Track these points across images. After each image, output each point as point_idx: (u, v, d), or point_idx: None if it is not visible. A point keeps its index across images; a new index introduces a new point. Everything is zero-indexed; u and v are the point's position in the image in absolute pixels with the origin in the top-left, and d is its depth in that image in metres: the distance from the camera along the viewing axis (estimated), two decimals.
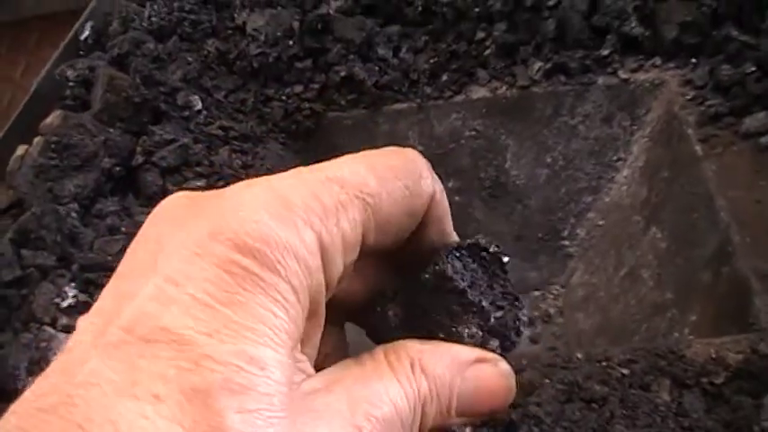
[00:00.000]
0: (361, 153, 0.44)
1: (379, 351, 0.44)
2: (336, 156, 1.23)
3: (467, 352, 0.46)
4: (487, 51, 1.42)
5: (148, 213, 1.20)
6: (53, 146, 1.23)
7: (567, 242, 1.49)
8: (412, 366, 0.43)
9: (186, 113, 1.36)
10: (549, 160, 1.44)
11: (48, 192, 1.22)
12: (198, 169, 1.30)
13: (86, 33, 1.54)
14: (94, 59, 1.41)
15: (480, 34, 1.42)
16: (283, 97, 1.42)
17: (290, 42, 1.41)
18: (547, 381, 1.00)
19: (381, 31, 1.44)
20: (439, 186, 0.48)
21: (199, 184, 1.28)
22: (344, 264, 0.40)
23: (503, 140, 1.44)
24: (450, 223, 0.52)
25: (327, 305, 0.42)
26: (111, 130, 1.28)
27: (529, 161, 1.45)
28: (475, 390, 0.46)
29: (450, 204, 1.40)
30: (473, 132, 1.43)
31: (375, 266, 0.48)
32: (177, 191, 1.19)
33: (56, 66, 1.48)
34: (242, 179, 1.22)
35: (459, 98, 1.42)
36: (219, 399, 0.32)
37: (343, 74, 1.40)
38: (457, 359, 0.45)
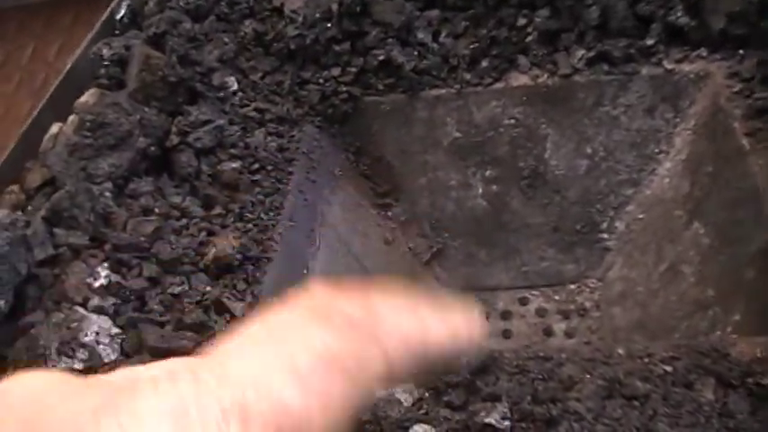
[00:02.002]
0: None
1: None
2: (372, 141, 1.21)
3: None
4: (529, 38, 1.39)
5: (182, 194, 1.18)
6: (88, 124, 1.21)
7: (605, 235, 1.46)
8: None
9: (222, 94, 1.34)
10: (589, 151, 1.42)
11: (81, 171, 1.20)
12: (233, 151, 1.28)
13: (122, 12, 1.53)
14: (130, 38, 1.39)
15: (522, 20, 1.39)
16: (320, 80, 1.40)
17: (328, 25, 1.39)
18: (587, 376, 0.98)
19: (421, 15, 1.41)
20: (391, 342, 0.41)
21: (234, 165, 1.26)
22: None
23: (542, 129, 1.41)
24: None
25: None
26: (147, 109, 1.26)
27: (569, 151, 1.42)
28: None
29: (486, 194, 1.37)
30: (512, 120, 1.40)
31: None
32: (212, 172, 1.17)
33: (91, 45, 1.46)
34: (277, 162, 1.20)
35: (499, 85, 1.39)
36: None
37: (381, 58, 1.38)
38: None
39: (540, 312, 1.48)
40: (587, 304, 1.46)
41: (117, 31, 1.53)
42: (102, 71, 1.39)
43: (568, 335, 1.43)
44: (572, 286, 1.49)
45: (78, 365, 0.98)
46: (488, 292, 1.49)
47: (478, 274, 1.49)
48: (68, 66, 1.46)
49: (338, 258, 1.34)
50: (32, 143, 1.36)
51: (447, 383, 0.96)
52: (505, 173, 1.44)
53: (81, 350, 0.99)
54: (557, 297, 1.49)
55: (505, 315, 1.47)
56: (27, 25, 1.94)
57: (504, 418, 0.93)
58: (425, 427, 0.90)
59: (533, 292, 1.50)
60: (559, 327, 1.45)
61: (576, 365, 1.00)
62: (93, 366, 0.98)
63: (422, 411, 0.95)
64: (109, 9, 1.55)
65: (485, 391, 0.96)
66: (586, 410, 0.93)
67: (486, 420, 0.93)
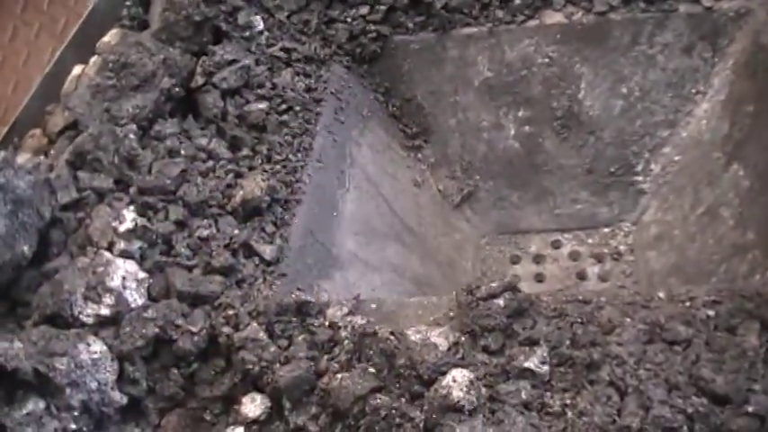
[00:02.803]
0: None
1: None
2: (402, 81, 1.18)
3: None
4: None
5: (208, 135, 1.16)
6: (111, 65, 1.18)
7: (640, 177, 1.43)
8: None
9: (247, 34, 1.31)
10: (624, 91, 1.38)
11: (105, 112, 1.17)
12: (260, 92, 1.25)
13: None
14: None
15: None
16: (348, 19, 1.36)
17: None
18: (627, 320, 0.95)
19: None
20: None
21: (261, 106, 1.23)
22: None
23: (577, 69, 1.37)
24: None
25: None
26: (171, 49, 1.23)
27: (603, 91, 1.38)
28: None
29: (519, 135, 1.35)
30: (546, 60, 1.36)
31: None
32: (239, 113, 1.14)
33: None
34: (306, 103, 1.17)
35: (532, 23, 1.35)
36: None
37: None
38: None
39: (574, 256, 1.44)
40: (621, 248, 1.43)
41: None
42: (125, 11, 1.36)
43: (602, 279, 1.40)
44: (606, 230, 1.46)
45: (105, 311, 0.96)
46: (520, 235, 1.46)
47: (510, 216, 1.46)
48: (89, 6, 1.43)
49: (368, 200, 1.31)
50: (54, 86, 1.33)
51: (483, 327, 0.94)
52: (538, 113, 1.41)
53: (107, 295, 0.97)
54: (590, 240, 1.45)
55: (538, 259, 1.45)
56: None
57: (542, 363, 0.91)
58: (463, 371, 0.87)
59: (566, 236, 1.47)
60: (593, 270, 1.42)
61: (615, 309, 0.97)
62: (121, 312, 0.96)
63: (458, 356, 0.93)
64: None
65: (522, 335, 0.94)
66: (628, 355, 0.90)
67: (525, 365, 0.90)
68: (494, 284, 0.97)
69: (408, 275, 1.29)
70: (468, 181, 1.45)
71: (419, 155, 1.44)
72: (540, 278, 1.42)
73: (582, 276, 1.41)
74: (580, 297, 1.00)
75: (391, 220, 1.34)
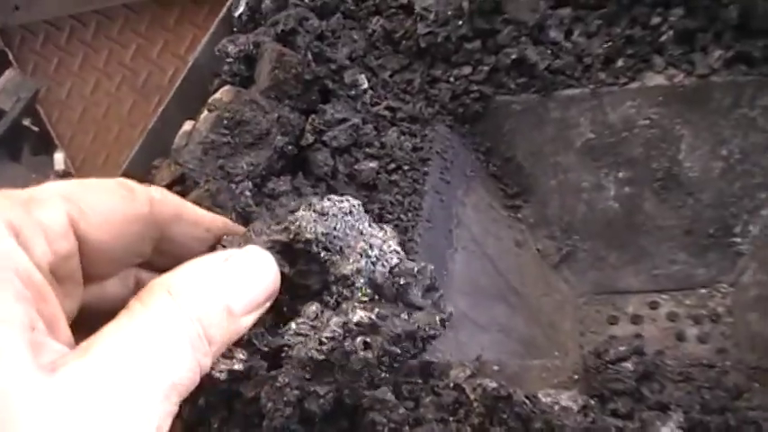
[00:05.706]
0: None
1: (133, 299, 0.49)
2: (503, 141, 1.18)
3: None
4: (664, 37, 1.35)
5: (319, 194, 1.17)
6: (225, 122, 1.20)
7: (738, 239, 1.42)
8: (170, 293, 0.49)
9: (353, 92, 1.32)
10: (724, 153, 1.37)
11: (219, 169, 1.18)
12: (368, 150, 1.26)
13: (241, 9, 1.50)
14: (259, 35, 1.37)
15: (656, 19, 1.35)
16: (451, 78, 1.37)
17: (460, 22, 1.36)
18: (756, 385, 0.94)
19: (553, 14, 1.38)
20: (158, 191, 0.57)
21: (371, 165, 1.24)
22: (58, 244, 0.46)
23: (677, 131, 1.37)
24: (201, 213, 0.64)
25: None
26: (281, 107, 1.24)
27: (704, 153, 1.38)
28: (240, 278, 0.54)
29: (618, 196, 1.33)
30: (647, 121, 1.37)
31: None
32: (349, 171, 1.15)
33: (211, 42, 1.45)
34: (413, 162, 1.18)
35: (634, 85, 1.35)
36: None
37: (513, 56, 1.35)
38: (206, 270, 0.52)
39: (671, 317, 1.44)
40: (719, 309, 1.42)
41: (235, 29, 1.51)
42: (226, 68, 1.37)
43: (701, 340, 1.39)
44: (703, 290, 1.45)
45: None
46: (618, 295, 1.45)
47: (608, 277, 1.45)
48: (190, 63, 1.46)
49: (474, 260, 1.31)
50: (157, 141, 1.36)
51: (612, 391, 0.93)
52: (639, 174, 1.40)
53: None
54: (687, 302, 1.44)
55: (636, 319, 1.44)
56: (132, 24, 1.94)
57: (679, 428, 0.90)
58: None
59: (663, 296, 1.46)
60: (692, 332, 1.41)
61: (739, 373, 0.97)
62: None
63: (588, 419, 0.92)
64: (226, 6, 1.53)
65: (651, 399, 0.93)
66: (763, 420, 0.89)
67: (663, 430, 0.90)
68: (622, 348, 0.97)
69: (514, 336, 1.29)
70: (566, 241, 1.44)
71: (519, 214, 1.44)
72: (638, 339, 1.41)
73: (681, 337, 1.40)
74: (704, 361, 0.99)
75: (497, 280, 1.33)
